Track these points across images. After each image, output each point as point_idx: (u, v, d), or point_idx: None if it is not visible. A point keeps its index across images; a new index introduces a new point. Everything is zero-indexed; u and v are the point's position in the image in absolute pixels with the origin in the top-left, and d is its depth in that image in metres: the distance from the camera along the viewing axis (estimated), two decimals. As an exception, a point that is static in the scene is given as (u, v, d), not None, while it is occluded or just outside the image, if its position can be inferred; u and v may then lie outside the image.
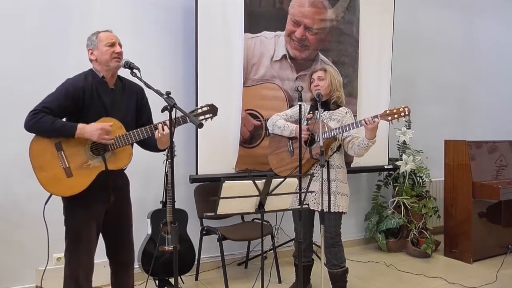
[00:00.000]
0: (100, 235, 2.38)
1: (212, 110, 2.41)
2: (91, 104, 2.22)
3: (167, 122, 2.07)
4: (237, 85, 3.64)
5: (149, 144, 2.42)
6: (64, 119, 2.22)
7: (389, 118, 2.72)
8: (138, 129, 2.26)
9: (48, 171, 2.14)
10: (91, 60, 2.31)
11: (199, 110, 2.40)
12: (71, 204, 2.24)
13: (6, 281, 3.04)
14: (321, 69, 3.00)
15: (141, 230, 2.99)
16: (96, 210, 2.28)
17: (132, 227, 2.48)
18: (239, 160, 3.67)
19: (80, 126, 2.16)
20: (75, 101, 2.19)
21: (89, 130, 2.16)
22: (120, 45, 2.30)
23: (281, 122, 3.04)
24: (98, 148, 2.24)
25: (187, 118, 2.21)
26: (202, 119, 2.36)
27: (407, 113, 2.71)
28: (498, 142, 4.33)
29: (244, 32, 3.61)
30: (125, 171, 2.43)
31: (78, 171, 2.18)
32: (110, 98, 2.29)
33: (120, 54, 2.27)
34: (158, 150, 2.45)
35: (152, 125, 2.28)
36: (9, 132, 2.99)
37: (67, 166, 2.17)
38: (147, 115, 2.47)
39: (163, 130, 2.23)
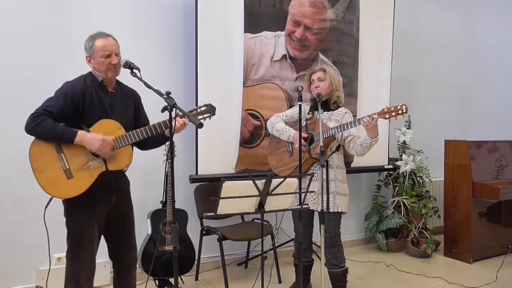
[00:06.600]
0: (102, 236, 2.37)
1: (210, 109, 2.41)
2: (91, 107, 2.21)
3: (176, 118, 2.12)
4: (237, 85, 3.64)
5: (147, 144, 2.43)
6: (64, 123, 2.20)
7: (387, 116, 2.69)
8: (138, 129, 2.25)
9: (48, 173, 2.12)
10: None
11: (198, 110, 2.40)
12: (72, 206, 2.23)
13: (6, 281, 3.04)
14: (321, 69, 2.99)
15: (141, 230, 2.99)
16: (97, 212, 2.27)
17: (134, 228, 2.48)
18: (239, 160, 3.66)
19: (80, 133, 2.14)
20: (75, 104, 2.17)
21: (88, 139, 2.14)
22: (117, 54, 2.23)
23: (279, 125, 3.03)
24: None
25: (187, 118, 2.21)
26: (201, 119, 2.36)
27: (404, 110, 2.67)
28: (498, 142, 4.33)
29: (244, 32, 3.61)
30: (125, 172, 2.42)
31: (78, 173, 2.16)
32: (109, 100, 2.28)
33: (116, 65, 2.22)
34: (157, 146, 2.45)
35: (151, 125, 2.28)
36: (9, 132, 2.99)
37: (67, 167, 2.15)
38: (145, 119, 2.48)
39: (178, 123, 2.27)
